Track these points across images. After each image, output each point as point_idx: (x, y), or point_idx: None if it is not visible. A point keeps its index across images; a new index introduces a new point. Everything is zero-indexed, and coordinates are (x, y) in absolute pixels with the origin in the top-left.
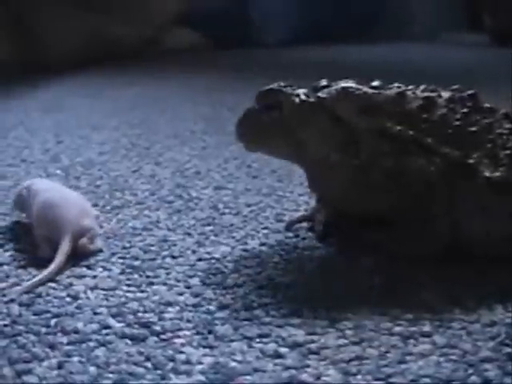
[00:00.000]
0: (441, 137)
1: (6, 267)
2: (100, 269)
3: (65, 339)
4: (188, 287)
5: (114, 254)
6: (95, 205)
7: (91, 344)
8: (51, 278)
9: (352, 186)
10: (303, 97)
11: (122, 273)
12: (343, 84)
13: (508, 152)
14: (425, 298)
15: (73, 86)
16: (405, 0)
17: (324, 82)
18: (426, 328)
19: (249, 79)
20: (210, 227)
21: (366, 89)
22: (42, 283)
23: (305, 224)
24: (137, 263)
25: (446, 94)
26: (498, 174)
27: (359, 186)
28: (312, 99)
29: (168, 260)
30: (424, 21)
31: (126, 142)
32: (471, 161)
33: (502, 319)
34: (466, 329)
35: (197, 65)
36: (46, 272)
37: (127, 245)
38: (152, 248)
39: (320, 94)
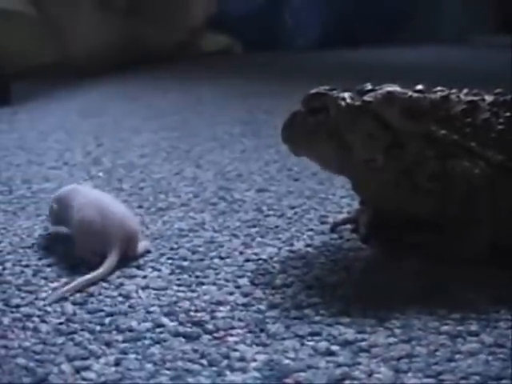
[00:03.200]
0: (484, 141)
1: (56, 267)
2: (150, 269)
3: (120, 337)
4: (237, 287)
5: (162, 255)
6: (140, 207)
7: (146, 342)
8: (101, 279)
9: (397, 189)
10: (349, 100)
11: (172, 273)
12: (388, 88)
13: None
14: (470, 299)
15: (110, 90)
16: (435, 2)
17: (369, 86)
18: (473, 327)
19: (283, 82)
20: (256, 229)
21: (410, 93)
22: (92, 283)
23: (349, 226)
24: (185, 264)
25: (489, 98)
26: None
27: (404, 189)
28: (358, 102)
29: (216, 261)
30: (454, 23)
31: (166, 145)
32: None
33: None
34: None
35: (230, 68)
36: (95, 273)
37: (175, 246)
38: (199, 249)
39: (366, 98)
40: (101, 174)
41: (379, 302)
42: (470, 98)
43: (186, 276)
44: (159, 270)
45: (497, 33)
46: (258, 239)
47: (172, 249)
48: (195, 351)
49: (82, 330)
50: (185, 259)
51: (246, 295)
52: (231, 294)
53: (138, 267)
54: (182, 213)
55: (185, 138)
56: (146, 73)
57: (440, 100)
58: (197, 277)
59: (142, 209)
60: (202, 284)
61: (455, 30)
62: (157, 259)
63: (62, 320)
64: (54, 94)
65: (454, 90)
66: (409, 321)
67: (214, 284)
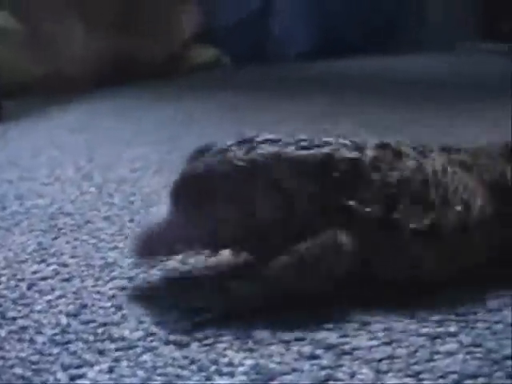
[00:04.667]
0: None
1: (50, 281)
2: (141, 280)
3: (113, 346)
4: None
5: (152, 267)
6: (131, 220)
7: (138, 350)
8: None
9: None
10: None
11: (163, 283)
12: (270, 147)
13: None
14: (450, 301)
15: (100, 105)
16: (420, 11)
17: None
18: (452, 328)
19: (271, 94)
20: None
21: (296, 150)
22: None
23: None
24: (175, 274)
25: (370, 153)
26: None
27: None
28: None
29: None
30: (439, 31)
31: (157, 159)
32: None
33: None
34: (491, 329)
35: (219, 81)
36: None
37: (164, 258)
38: (190, 261)
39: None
40: (92, 189)
41: (361, 307)
42: (351, 154)
43: (176, 286)
44: (150, 282)
45: (483, 40)
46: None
47: (162, 260)
48: (185, 358)
49: (77, 339)
50: (175, 271)
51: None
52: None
53: (130, 279)
54: None
55: (175, 152)
56: (135, 87)
57: (322, 159)
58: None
59: (134, 222)
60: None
61: (441, 39)
62: (148, 271)
63: (56, 331)
64: (45, 110)
65: (333, 147)
66: (390, 324)
67: None
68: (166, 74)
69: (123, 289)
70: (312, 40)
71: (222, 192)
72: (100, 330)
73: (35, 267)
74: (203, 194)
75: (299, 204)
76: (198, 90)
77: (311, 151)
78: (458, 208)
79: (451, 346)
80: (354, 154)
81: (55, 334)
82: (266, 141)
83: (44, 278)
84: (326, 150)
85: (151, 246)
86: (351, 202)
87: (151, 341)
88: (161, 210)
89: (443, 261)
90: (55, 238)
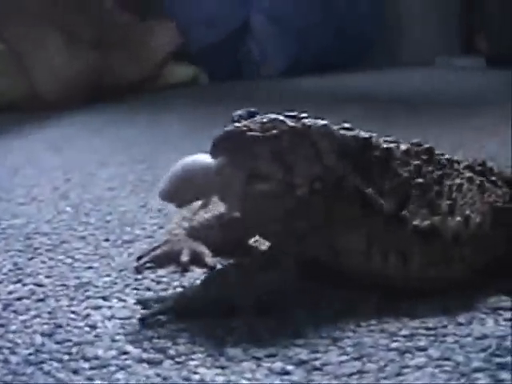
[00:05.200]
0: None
1: (25, 301)
2: (115, 300)
3: (87, 365)
4: None
5: (127, 286)
6: (106, 240)
7: (112, 368)
8: None
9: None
10: (291, 123)
11: (137, 303)
12: (323, 121)
13: (449, 202)
14: (419, 316)
15: (78, 124)
16: (398, 26)
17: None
18: (422, 343)
19: None
20: (218, 258)
21: (340, 131)
22: None
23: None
24: (149, 294)
25: (403, 147)
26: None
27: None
28: (299, 125)
29: (179, 290)
30: (417, 46)
31: (133, 178)
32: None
33: (493, 332)
34: (459, 342)
35: (196, 99)
36: None
37: (139, 277)
38: (163, 279)
39: (306, 122)
40: (68, 208)
41: (332, 322)
42: (386, 144)
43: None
44: (124, 301)
45: (461, 55)
46: (219, 266)
47: (137, 280)
48: (158, 375)
49: (51, 359)
50: (149, 289)
51: (205, 322)
52: (193, 321)
53: (104, 298)
54: (147, 245)
55: (152, 170)
56: (113, 105)
57: (362, 143)
58: None
59: (109, 242)
60: (165, 313)
61: (419, 54)
62: (122, 290)
63: (31, 351)
64: (22, 129)
65: (374, 134)
66: (360, 339)
67: None
68: (143, 92)
69: (97, 308)
70: (289, 58)
71: (267, 148)
72: (74, 350)
73: (11, 287)
74: (249, 147)
75: (330, 178)
76: (174, 108)
77: (353, 132)
78: (459, 219)
79: (420, 359)
80: (388, 144)
81: (30, 354)
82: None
83: (19, 298)
84: (366, 134)
85: (184, 190)
86: (369, 190)
87: (125, 359)
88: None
89: (432, 264)
90: (31, 258)
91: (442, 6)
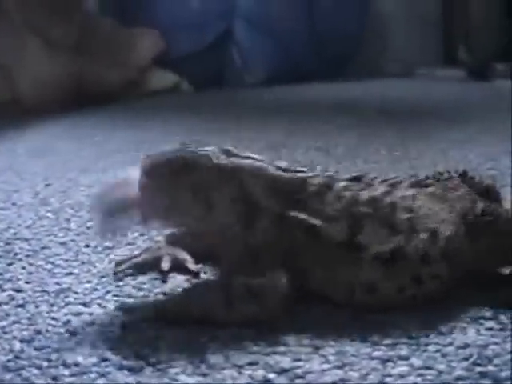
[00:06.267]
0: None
1: (4, 306)
2: (96, 306)
3: (67, 372)
4: None
5: (108, 293)
6: (87, 246)
7: (92, 375)
8: None
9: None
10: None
11: (117, 309)
12: (256, 162)
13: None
14: (401, 325)
15: (58, 130)
16: (379, 36)
17: (234, 150)
18: (404, 352)
19: (230, 119)
20: None
21: (275, 171)
22: None
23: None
24: (130, 301)
25: (343, 183)
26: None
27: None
28: (226, 163)
29: (160, 297)
30: (399, 57)
31: None
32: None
33: (475, 341)
34: (441, 351)
35: (178, 106)
36: None
37: (120, 283)
38: (144, 286)
39: (234, 161)
40: (49, 214)
41: (315, 330)
42: (322, 180)
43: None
44: (105, 307)
45: (441, 66)
46: (202, 276)
47: (118, 286)
48: (138, 383)
49: (30, 366)
50: (130, 296)
51: (188, 329)
52: (173, 328)
53: (85, 304)
54: (128, 251)
55: None
56: (94, 112)
57: (298, 182)
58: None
59: (89, 248)
60: (146, 320)
61: (400, 64)
62: (103, 296)
63: (10, 357)
64: (3, 134)
65: (311, 174)
66: (343, 347)
67: None
68: (125, 98)
69: (78, 314)
70: (271, 66)
71: (197, 182)
72: (54, 356)
73: None
74: (180, 177)
75: (261, 220)
76: (156, 115)
77: (289, 174)
78: (424, 236)
79: (403, 368)
80: (326, 180)
81: (8, 361)
82: (248, 157)
83: None
84: (302, 175)
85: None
86: (316, 221)
87: (105, 366)
88: None
89: (401, 288)
90: (10, 264)
91: (424, 17)
